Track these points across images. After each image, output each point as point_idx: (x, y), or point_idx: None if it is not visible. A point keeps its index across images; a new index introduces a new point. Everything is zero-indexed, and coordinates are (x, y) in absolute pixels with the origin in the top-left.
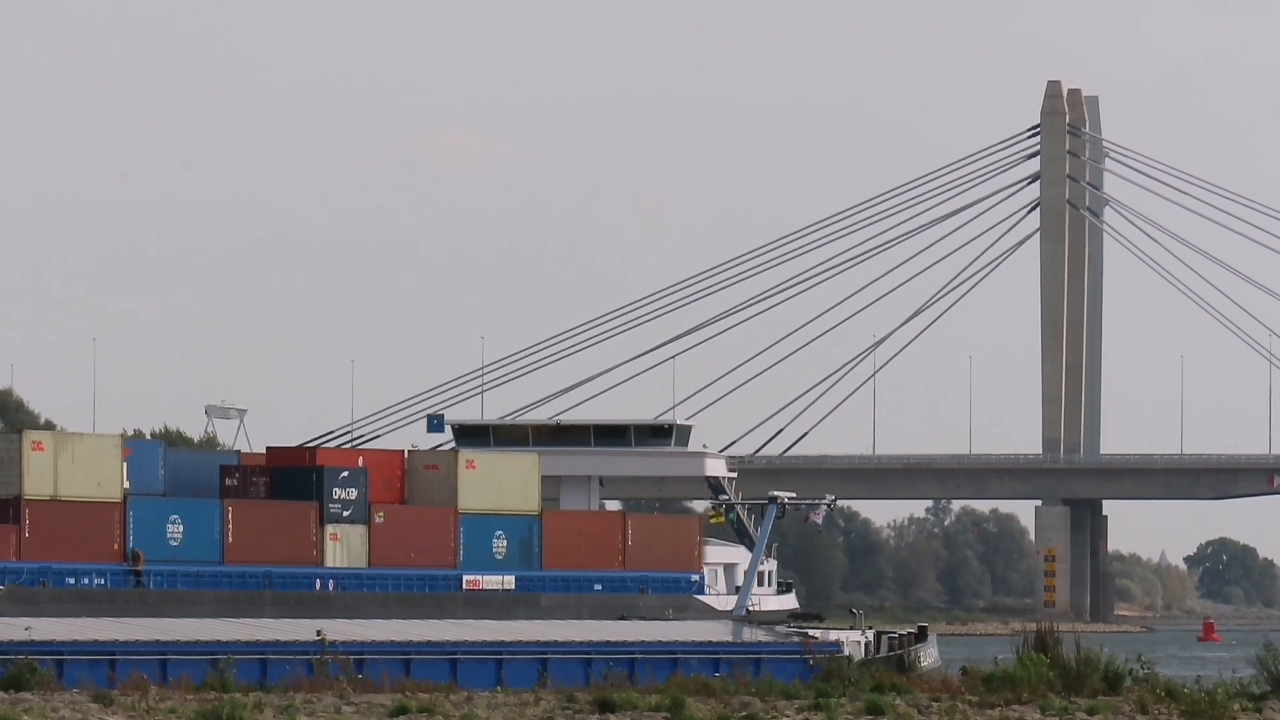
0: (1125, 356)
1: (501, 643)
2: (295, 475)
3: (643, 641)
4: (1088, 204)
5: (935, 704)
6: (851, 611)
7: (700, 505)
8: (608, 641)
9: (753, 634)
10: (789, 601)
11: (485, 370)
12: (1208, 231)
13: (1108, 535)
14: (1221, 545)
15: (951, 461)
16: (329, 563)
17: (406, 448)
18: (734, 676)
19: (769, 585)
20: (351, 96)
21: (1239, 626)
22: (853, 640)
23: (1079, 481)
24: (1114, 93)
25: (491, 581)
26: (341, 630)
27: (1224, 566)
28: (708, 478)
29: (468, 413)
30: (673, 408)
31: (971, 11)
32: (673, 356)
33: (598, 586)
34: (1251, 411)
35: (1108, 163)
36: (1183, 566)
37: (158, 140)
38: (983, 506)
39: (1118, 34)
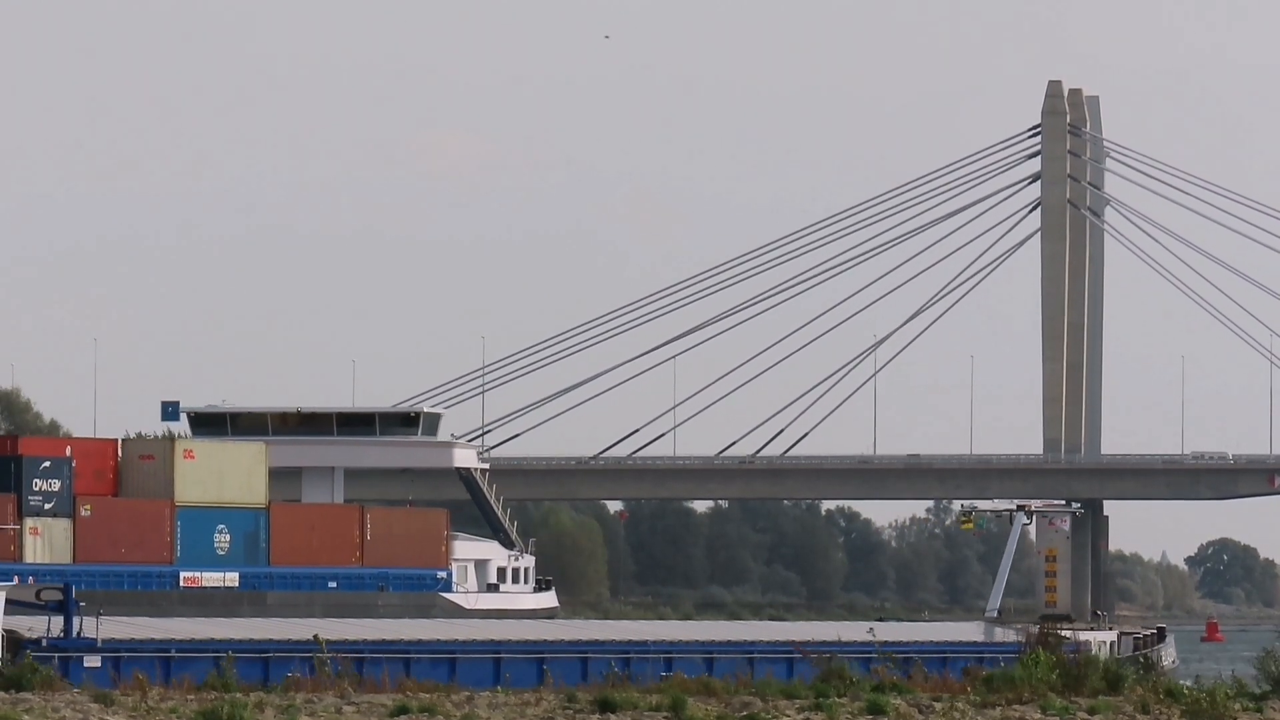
0: (1125, 356)
1: (755, 642)
2: None
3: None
4: (1088, 204)
5: (936, 704)
6: (1097, 614)
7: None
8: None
9: (1004, 634)
10: (548, 600)
11: (486, 370)
12: (1208, 231)
13: (1108, 535)
14: (1222, 545)
15: (952, 461)
16: (29, 558)
17: (120, 436)
18: None
19: (526, 582)
20: (350, 93)
21: (1240, 626)
22: (1099, 640)
23: (1079, 481)
24: (1115, 92)
25: (213, 578)
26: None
27: (1225, 567)
28: (458, 469)
29: (468, 412)
30: (673, 408)
31: (972, 11)
32: (673, 356)
33: (332, 584)
34: (1252, 411)
35: (1108, 162)
36: (1183, 567)
37: (157, 139)
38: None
39: (1118, 33)
